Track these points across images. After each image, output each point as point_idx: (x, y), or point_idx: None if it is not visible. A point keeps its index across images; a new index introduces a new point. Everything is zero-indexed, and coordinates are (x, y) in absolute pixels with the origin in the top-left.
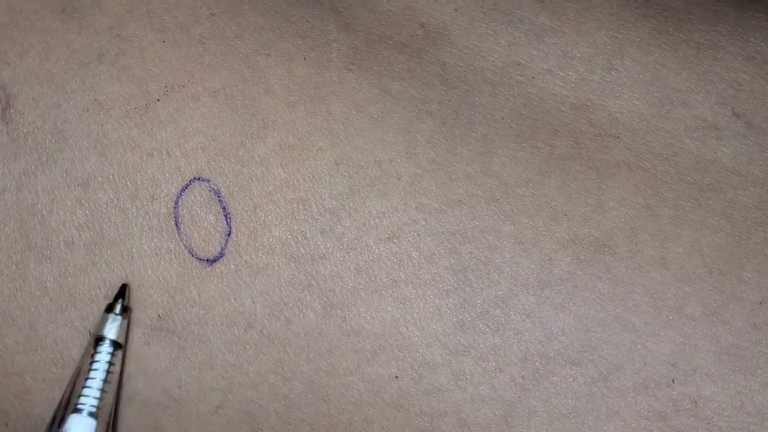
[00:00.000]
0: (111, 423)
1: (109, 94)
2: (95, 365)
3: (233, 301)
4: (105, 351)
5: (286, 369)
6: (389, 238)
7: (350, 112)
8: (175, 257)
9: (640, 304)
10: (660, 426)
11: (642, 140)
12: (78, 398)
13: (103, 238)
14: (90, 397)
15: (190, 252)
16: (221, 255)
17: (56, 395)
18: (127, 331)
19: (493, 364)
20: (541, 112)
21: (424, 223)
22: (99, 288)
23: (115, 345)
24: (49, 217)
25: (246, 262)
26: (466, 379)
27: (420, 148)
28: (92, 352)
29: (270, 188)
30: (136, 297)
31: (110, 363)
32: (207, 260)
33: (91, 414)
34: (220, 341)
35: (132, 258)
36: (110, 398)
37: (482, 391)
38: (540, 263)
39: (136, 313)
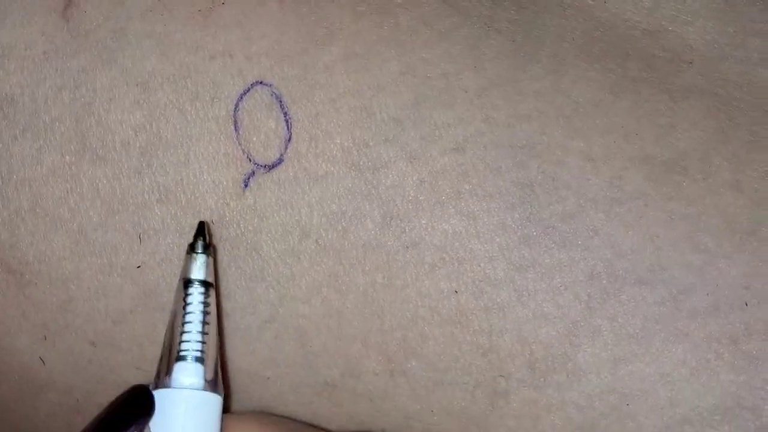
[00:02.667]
0: (218, 365)
1: None
2: (189, 308)
3: (290, 209)
4: (197, 292)
5: (340, 282)
6: (454, 149)
7: (418, 26)
8: (233, 161)
9: (712, 225)
10: (731, 349)
11: (715, 67)
12: (180, 345)
13: (159, 140)
14: (192, 341)
15: (248, 157)
16: (280, 161)
17: (100, 306)
18: (215, 268)
19: (558, 280)
20: (612, 35)
21: (491, 135)
22: (152, 191)
23: (206, 285)
24: (106, 117)
25: (305, 169)
26: (529, 295)
27: (488, 63)
28: (183, 295)
29: (333, 95)
30: (190, 202)
31: (205, 303)
32: (265, 166)
33: (196, 359)
34: (274, 251)
35: (188, 161)
36: (212, 339)
37: (545, 309)
38: (610, 180)
39: (189, 219)
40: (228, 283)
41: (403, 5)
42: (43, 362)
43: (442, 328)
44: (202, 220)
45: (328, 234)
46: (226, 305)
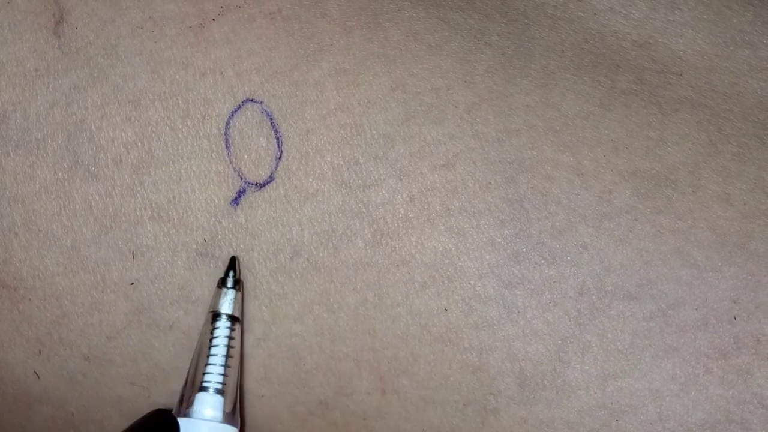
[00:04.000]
0: (237, 397)
1: (164, 12)
2: (215, 341)
3: (281, 227)
4: (223, 326)
5: (331, 300)
6: (444, 165)
7: (408, 40)
8: (224, 180)
9: (702, 239)
10: (720, 364)
11: (705, 78)
12: (203, 376)
13: (151, 158)
14: (214, 374)
15: (239, 175)
16: (271, 179)
17: (94, 321)
18: (242, 303)
19: (548, 297)
20: (602, 47)
21: (480, 151)
22: (145, 209)
23: (233, 319)
24: (98, 134)
25: (296, 187)
26: (519, 312)
27: (478, 77)
28: (210, 328)
29: (324, 112)
30: (183, 219)
31: (230, 338)
32: (256, 184)
33: (217, 391)
34: (265, 269)
35: (180, 179)
36: (234, 373)
37: (535, 325)
38: (599, 195)
39: (181, 237)
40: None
41: (392, 19)
42: (38, 376)
43: (433, 346)
44: (234, 255)
45: (319, 252)
46: None
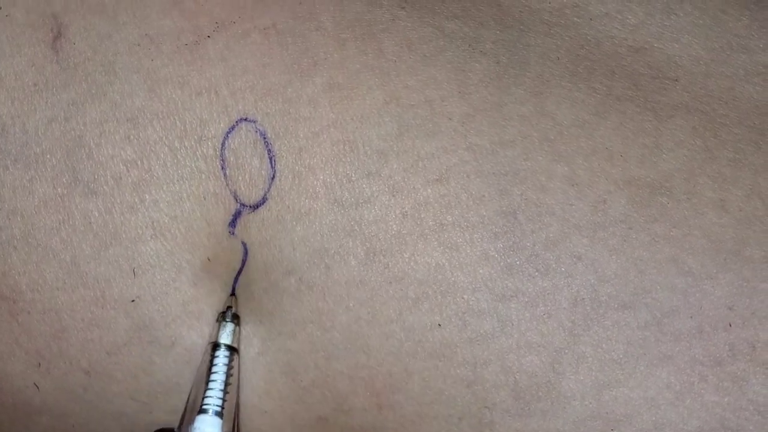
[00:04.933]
0: (235, 422)
1: (160, 28)
2: (215, 368)
3: (273, 247)
4: (222, 355)
5: (324, 318)
6: (437, 180)
7: (402, 51)
8: (221, 202)
9: (697, 246)
10: (716, 371)
11: (701, 84)
12: (203, 400)
13: (151, 177)
14: (214, 397)
15: (234, 197)
16: (264, 200)
17: (94, 337)
18: (239, 337)
19: (542, 309)
20: (598, 53)
21: (474, 164)
22: (146, 227)
23: (231, 350)
24: (97, 151)
25: (288, 207)
26: (513, 325)
27: (473, 87)
28: (210, 357)
29: (317, 129)
30: (186, 238)
31: (229, 366)
32: (250, 206)
33: (216, 413)
34: (259, 288)
35: (181, 199)
36: (232, 398)
37: (529, 338)
38: (594, 205)
39: (185, 255)
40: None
41: (387, 30)
42: (38, 388)
43: (427, 362)
44: (233, 293)
45: (311, 271)
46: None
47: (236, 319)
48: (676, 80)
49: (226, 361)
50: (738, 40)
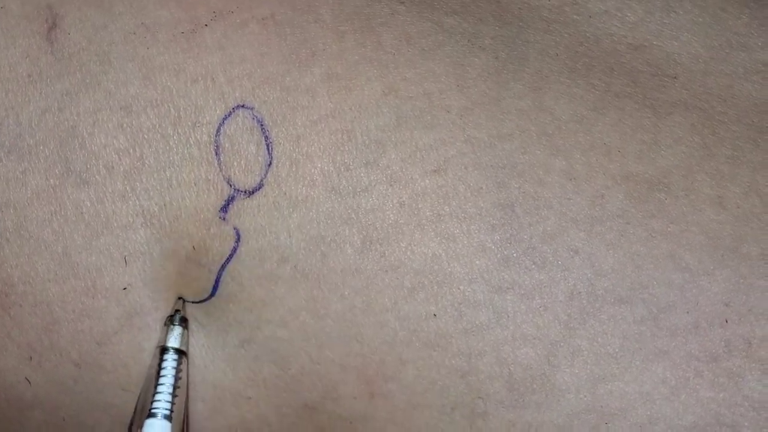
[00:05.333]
0: (184, 425)
1: (157, 18)
2: (164, 372)
3: (268, 234)
4: (171, 359)
5: (318, 306)
6: (435, 171)
7: (401, 44)
8: (213, 188)
9: (694, 242)
10: (711, 367)
11: (700, 81)
12: (151, 404)
13: (143, 165)
14: (162, 401)
15: (228, 182)
16: (260, 186)
17: (84, 327)
18: (188, 340)
19: (538, 301)
20: (597, 50)
21: (472, 156)
22: (136, 215)
23: (179, 353)
24: (90, 140)
25: (285, 193)
26: (509, 317)
27: (471, 81)
28: (159, 361)
29: (315, 117)
30: (173, 227)
31: (177, 369)
32: (245, 191)
33: (165, 417)
34: (251, 275)
35: (171, 186)
36: (181, 402)
37: (525, 330)
38: (591, 199)
39: (173, 243)
40: (207, 303)
41: (385, 23)
42: (29, 382)
43: (421, 351)
44: (180, 296)
45: (307, 259)
46: (207, 323)
47: (184, 322)
48: (675, 78)
49: (174, 364)
50: (737, 38)
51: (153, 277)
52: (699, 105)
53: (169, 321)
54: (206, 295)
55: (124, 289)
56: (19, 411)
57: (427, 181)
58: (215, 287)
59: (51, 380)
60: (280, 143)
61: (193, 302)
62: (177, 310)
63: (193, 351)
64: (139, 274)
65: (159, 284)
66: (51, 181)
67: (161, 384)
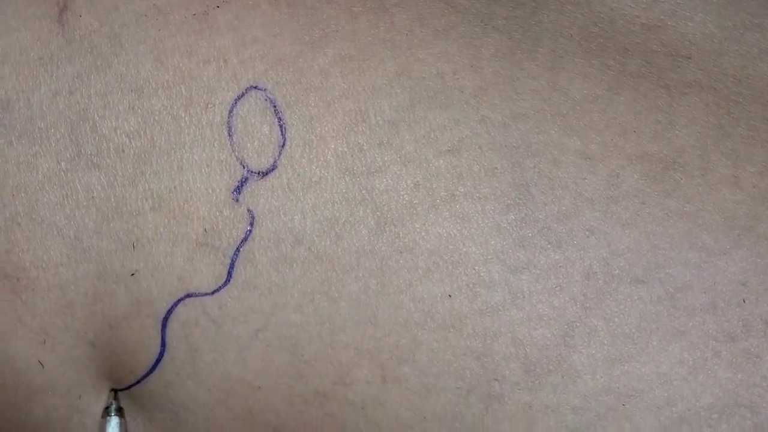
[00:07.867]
0: None
1: (168, 0)
2: None
3: (282, 216)
4: None
5: (332, 288)
6: (449, 151)
7: (414, 25)
8: (226, 168)
9: (710, 222)
10: (729, 347)
11: (714, 62)
12: None
13: (153, 147)
14: None
15: (241, 163)
16: (274, 167)
17: (97, 309)
18: (126, 429)
19: (554, 281)
20: (611, 30)
21: (486, 136)
22: (146, 199)
23: None
24: (101, 123)
25: (299, 175)
26: (524, 297)
27: (485, 62)
28: None
29: (328, 98)
30: (183, 210)
31: None
32: (259, 172)
33: None
34: (266, 259)
35: (182, 168)
36: None
37: (540, 310)
38: (607, 179)
39: (181, 228)
40: (220, 293)
41: (399, 4)
42: (42, 365)
43: (436, 333)
44: (114, 388)
45: (321, 240)
46: (218, 314)
47: (120, 411)
48: (690, 58)
49: None
50: (752, 18)
51: (159, 265)
52: (714, 85)
53: (105, 413)
54: (221, 283)
55: (132, 275)
56: (28, 398)
57: (441, 161)
58: (230, 272)
59: (65, 362)
60: (293, 124)
61: (205, 294)
62: (112, 401)
63: (202, 345)
64: (146, 261)
65: (165, 272)
66: (62, 164)
67: None
